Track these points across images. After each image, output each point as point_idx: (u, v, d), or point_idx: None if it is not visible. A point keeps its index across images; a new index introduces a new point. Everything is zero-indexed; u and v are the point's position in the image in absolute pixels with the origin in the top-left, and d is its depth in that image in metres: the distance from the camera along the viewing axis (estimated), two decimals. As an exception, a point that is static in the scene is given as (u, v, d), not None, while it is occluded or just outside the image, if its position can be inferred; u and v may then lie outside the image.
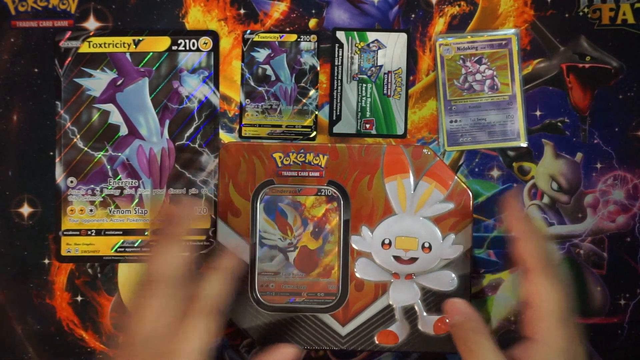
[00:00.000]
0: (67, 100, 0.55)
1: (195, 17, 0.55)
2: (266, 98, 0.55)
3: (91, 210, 0.55)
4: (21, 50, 0.55)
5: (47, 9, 0.55)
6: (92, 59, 0.55)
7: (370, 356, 0.55)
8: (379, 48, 0.55)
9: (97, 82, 0.55)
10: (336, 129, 0.55)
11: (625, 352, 0.54)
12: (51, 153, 0.55)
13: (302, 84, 0.55)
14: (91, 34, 0.55)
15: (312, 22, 0.55)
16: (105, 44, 0.55)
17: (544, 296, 0.40)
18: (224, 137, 0.55)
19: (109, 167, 0.55)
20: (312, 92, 0.55)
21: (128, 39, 0.55)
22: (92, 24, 0.55)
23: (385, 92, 0.55)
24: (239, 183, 0.52)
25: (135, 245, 0.55)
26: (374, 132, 0.55)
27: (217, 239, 0.52)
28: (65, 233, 0.55)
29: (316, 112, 0.55)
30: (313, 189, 0.52)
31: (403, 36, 0.55)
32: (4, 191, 0.55)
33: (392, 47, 0.55)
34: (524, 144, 0.54)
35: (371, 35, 0.55)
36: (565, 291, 0.40)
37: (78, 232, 0.55)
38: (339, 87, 0.55)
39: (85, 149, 0.55)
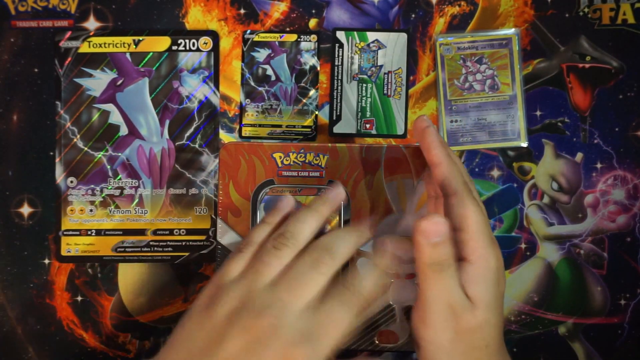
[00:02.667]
0: (67, 100, 0.55)
1: (195, 17, 0.55)
2: (266, 98, 0.55)
3: (91, 210, 0.55)
4: (21, 50, 0.55)
5: (47, 9, 0.55)
6: (92, 59, 0.55)
7: (370, 356, 0.55)
8: (379, 48, 0.55)
9: (97, 82, 0.55)
10: (336, 129, 0.55)
11: (625, 352, 0.54)
12: (51, 153, 0.55)
13: (302, 84, 0.55)
14: (91, 34, 0.55)
15: (312, 22, 0.55)
16: (105, 44, 0.55)
17: (473, 218, 0.39)
18: (224, 137, 0.55)
19: (109, 167, 0.55)
20: (312, 92, 0.55)
21: (128, 39, 0.55)
22: (92, 24, 0.55)
23: (385, 92, 0.55)
24: (239, 183, 0.52)
25: (135, 245, 0.55)
26: (374, 132, 0.55)
27: (217, 239, 0.52)
28: (65, 233, 0.55)
29: (316, 112, 0.55)
30: (313, 189, 0.52)
31: (403, 36, 0.55)
32: (4, 191, 0.55)
33: (392, 47, 0.55)
34: (524, 144, 0.54)
35: (371, 35, 0.55)
36: (485, 211, 0.40)
37: (78, 232, 0.55)
38: (339, 87, 0.55)
39: (85, 149, 0.55)
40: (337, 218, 0.52)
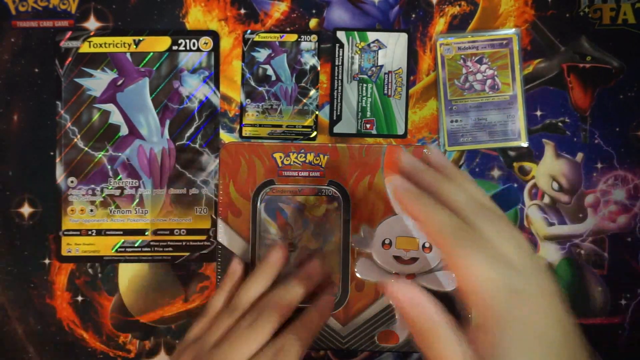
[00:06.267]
0: (68, 100, 0.55)
1: (195, 17, 0.55)
2: (266, 98, 0.55)
3: (91, 210, 0.55)
4: (21, 50, 0.55)
5: (47, 9, 0.55)
6: (93, 59, 0.55)
7: (370, 356, 0.55)
8: (380, 48, 0.55)
9: (97, 82, 0.55)
10: (336, 129, 0.55)
11: (626, 352, 0.54)
12: (51, 153, 0.55)
13: (303, 84, 0.55)
14: (91, 34, 0.55)
15: (313, 22, 0.55)
16: (105, 44, 0.55)
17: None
18: (224, 137, 0.55)
19: (109, 167, 0.55)
20: (312, 92, 0.55)
21: (128, 39, 0.55)
22: (92, 24, 0.55)
23: (385, 92, 0.55)
24: (239, 183, 0.52)
25: (136, 245, 0.55)
26: (374, 132, 0.55)
27: (217, 239, 0.52)
28: (65, 233, 0.55)
29: (316, 112, 0.55)
30: (313, 189, 0.52)
31: (403, 36, 0.55)
32: (4, 191, 0.55)
33: (392, 47, 0.55)
34: (525, 144, 0.54)
35: (372, 35, 0.55)
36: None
37: (78, 232, 0.55)
38: (340, 87, 0.55)
39: (86, 149, 0.55)
40: (338, 218, 0.52)
